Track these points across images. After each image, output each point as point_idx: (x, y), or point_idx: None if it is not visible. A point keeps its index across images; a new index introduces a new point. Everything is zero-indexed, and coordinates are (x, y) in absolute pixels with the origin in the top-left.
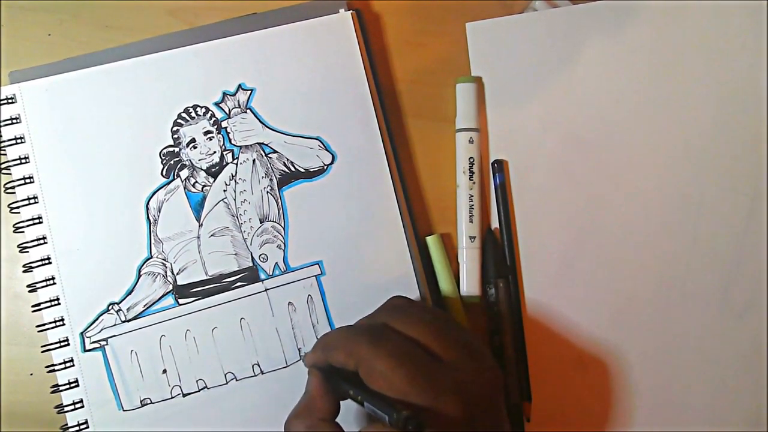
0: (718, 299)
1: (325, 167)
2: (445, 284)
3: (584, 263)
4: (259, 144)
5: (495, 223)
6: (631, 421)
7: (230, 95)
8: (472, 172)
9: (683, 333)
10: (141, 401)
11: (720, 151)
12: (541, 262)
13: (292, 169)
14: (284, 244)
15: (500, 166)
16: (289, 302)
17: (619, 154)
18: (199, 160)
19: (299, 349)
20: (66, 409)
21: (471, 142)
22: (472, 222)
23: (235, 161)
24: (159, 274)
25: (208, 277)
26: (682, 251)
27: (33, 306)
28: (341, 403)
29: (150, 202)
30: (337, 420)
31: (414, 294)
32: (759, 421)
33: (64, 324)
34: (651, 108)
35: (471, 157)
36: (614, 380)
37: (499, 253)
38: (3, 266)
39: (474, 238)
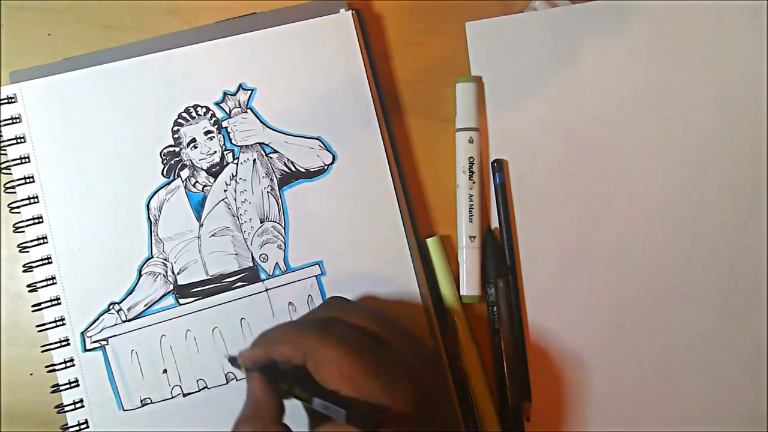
0: (718, 299)
1: (326, 167)
2: (444, 285)
3: (584, 263)
4: (260, 144)
5: (495, 223)
6: (631, 421)
7: (231, 95)
8: (472, 172)
9: (683, 333)
10: (141, 401)
11: (720, 152)
12: (541, 262)
13: (293, 169)
14: (285, 244)
15: (500, 166)
16: (290, 302)
17: (619, 153)
18: (200, 159)
19: None
20: (66, 408)
21: (471, 141)
22: (471, 222)
23: (236, 161)
24: (159, 273)
25: (209, 277)
26: (682, 251)
27: (33, 306)
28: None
29: (151, 202)
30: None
31: (414, 294)
32: (759, 421)
33: (64, 324)
34: (651, 108)
35: (471, 157)
36: (614, 380)
37: (499, 253)
38: (3, 266)
39: (474, 237)
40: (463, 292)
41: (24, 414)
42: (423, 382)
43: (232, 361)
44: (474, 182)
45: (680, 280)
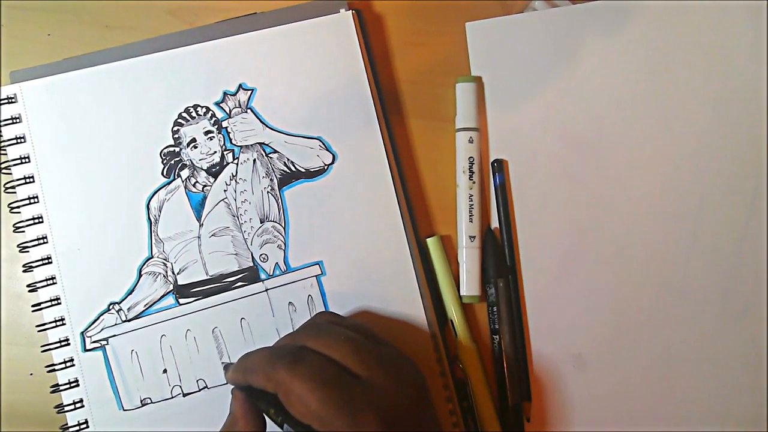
0: (718, 299)
1: (326, 167)
2: (444, 285)
3: (584, 263)
4: (260, 144)
5: (495, 223)
6: (631, 420)
7: (231, 95)
8: (471, 172)
9: (683, 333)
10: (141, 401)
11: (720, 151)
12: (541, 262)
13: (293, 169)
14: (285, 244)
15: (500, 166)
16: (290, 302)
17: (619, 153)
18: (200, 159)
19: None
20: (66, 408)
21: (471, 141)
22: (471, 222)
23: (236, 161)
24: (159, 273)
25: (209, 277)
26: (682, 251)
27: (33, 305)
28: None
29: (151, 202)
30: None
31: (414, 294)
32: (759, 421)
33: (64, 324)
34: (651, 108)
35: (471, 157)
36: (614, 380)
37: (499, 253)
38: (3, 266)
39: (474, 237)
40: (463, 292)
41: (24, 414)
42: (394, 418)
43: (225, 369)
44: (474, 182)
45: (680, 280)
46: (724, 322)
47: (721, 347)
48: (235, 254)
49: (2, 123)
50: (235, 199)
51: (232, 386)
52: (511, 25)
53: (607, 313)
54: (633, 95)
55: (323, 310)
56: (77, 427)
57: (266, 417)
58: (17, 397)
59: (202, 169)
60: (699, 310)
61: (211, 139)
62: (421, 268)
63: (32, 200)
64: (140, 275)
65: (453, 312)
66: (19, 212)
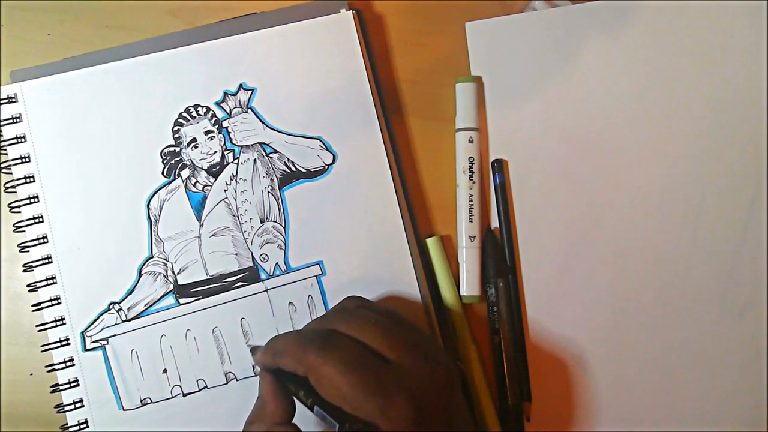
0: (718, 299)
1: (326, 167)
2: (444, 286)
3: (584, 263)
4: (260, 144)
5: (495, 223)
6: (631, 420)
7: (231, 95)
8: (471, 172)
9: (683, 333)
10: (141, 401)
11: (720, 151)
12: (541, 262)
13: (293, 169)
14: (285, 244)
15: (500, 166)
16: (290, 302)
17: (619, 153)
18: (200, 159)
19: None
20: (66, 408)
21: (471, 141)
22: (471, 222)
23: (236, 161)
24: (160, 273)
25: (209, 277)
26: (682, 251)
27: (33, 305)
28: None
29: (151, 202)
30: (296, 421)
31: (414, 294)
32: (759, 421)
33: (64, 323)
34: (651, 108)
35: (471, 157)
36: (614, 380)
37: (499, 253)
38: (3, 266)
39: (474, 237)
40: (463, 292)
41: (24, 414)
42: (425, 402)
43: (253, 351)
44: (474, 182)
45: (680, 280)
46: (724, 322)
47: (721, 347)
48: (236, 254)
49: (3, 122)
50: (236, 199)
51: (261, 369)
52: (511, 25)
53: (607, 313)
54: (633, 95)
55: (351, 295)
56: (77, 427)
57: (296, 399)
58: (17, 397)
59: (203, 168)
60: (699, 310)
61: (212, 139)
62: (421, 268)
63: (32, 200)
64: (140, 275)
65: (453, 312)
66: (20, 212)
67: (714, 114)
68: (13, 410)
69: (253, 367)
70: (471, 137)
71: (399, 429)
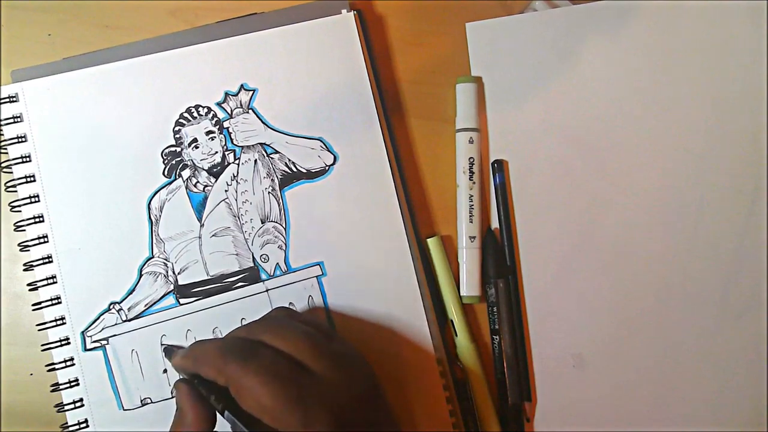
0: (718, 299)
1: (327, 168)
2: (445, 286)
3: (584, 263)
4: (261, 144)
5: (495, 223)
6: (631, 421)
7: (232, 95)
8: (472, 172)
9: (683, 333)
10: (141, 401)
11: (720, 151)
12: (541, 262)
13: (294, 169)
14: (285, 244)
15: (500, 166)
16: (290, 303)
17: (619, 153)
18: (201, 160)
19: None
20: (66, 408)
21: (471, 142)
22: (472, 222)
23: (237, 161)
24: (160, 273)
25: (210, 277)
26: (682, 251)
27: (33, 305)
28: None
29: (152, 202)
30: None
31: (414, 294)
32: (759, 421)
33: (64, 323)
34: (651, 108)
35: (471, 157)
36: (614, 380)
37: (499, 253)
38: (3, 266)
39: (474, 238)
40: (463, 292)
41: (24, 414)
42: (346, 414)
43: (167, 353)
44: (474, 182)
45: (680, 280)
46: (724, 322)
47: (721, 347)
48: (236, 254)
49: (3, 122)
50: (236, 200)
51: (177, 378)
52: (511, 25)
53: (607, 313)
54: (633, 95)
55: (279, 306)
56: (77, 426)
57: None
58: (17, 397)
59: (204, 169)
60: (699, 310)
61: (213, 140)
62: (421, 268)
63: (33, 199)
64: (141, 275)
65: (453, 312)
66: (20, 211)
67: (714, 114)
68: (13, 410)
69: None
70: (471, 137)
71: None
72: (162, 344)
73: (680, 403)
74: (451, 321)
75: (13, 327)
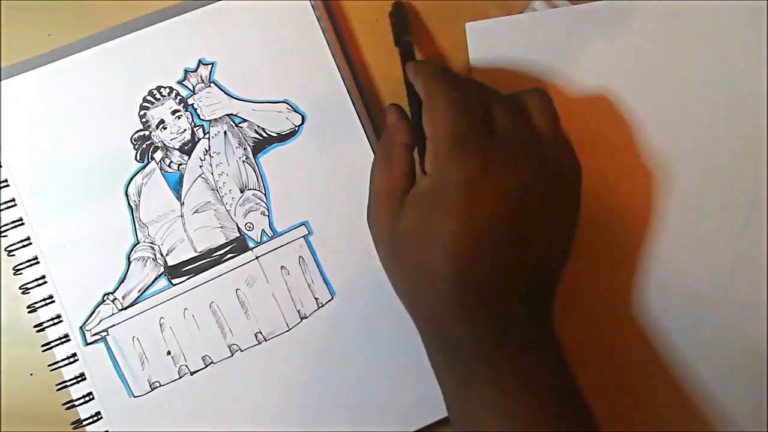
0: (718, 299)
1: (297, 128)
2: None
3: (583, 263)
4: (228, 115)
5: None
6: (632, 420)
7: (192, 72)
8: None
9: (683, 332)
10: (150, 385)
11: (720, 151)
12: None
13: (264, 135)
14: (268, 210)
15: None
16: (282, 266)
17: (618, 154)
18: (171, 139)
19: (298, 311)
20: (77, 403)
21: None
22: None
23: (207, 136)
24: (149, 258)
25: (198, 254)
26: (682, 250)
27: (28, 307)
28: None
29: (128, 189)
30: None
31: None
32: (759, 421)
33: (61, 321)
34: (651, 108)
35: None
36: (614, 380)
37: None
38: (3, 266)
39: None
40: None
41: (24, 414)
42: (515, 194)
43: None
44: None
45: (680, 280)
46: (724, 322)
47: (721, 347)
48: (221, 227)
49: None
50: (212, 173)
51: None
52: (511, 25)
53: (607, 312)
54: (633, 95)
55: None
56: (90, 420)
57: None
58: (17, 397)
59: (175, 148)
60: (699, 310)
61: (179, 118)
62: None
63: (10, 204)
64: (129, 262)
65: None
66: None
67: (714, 114)
68: (13, 410)
69: (230, 348)
70: None
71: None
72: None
73: (680, 403)
74: None
75: (13, 327)
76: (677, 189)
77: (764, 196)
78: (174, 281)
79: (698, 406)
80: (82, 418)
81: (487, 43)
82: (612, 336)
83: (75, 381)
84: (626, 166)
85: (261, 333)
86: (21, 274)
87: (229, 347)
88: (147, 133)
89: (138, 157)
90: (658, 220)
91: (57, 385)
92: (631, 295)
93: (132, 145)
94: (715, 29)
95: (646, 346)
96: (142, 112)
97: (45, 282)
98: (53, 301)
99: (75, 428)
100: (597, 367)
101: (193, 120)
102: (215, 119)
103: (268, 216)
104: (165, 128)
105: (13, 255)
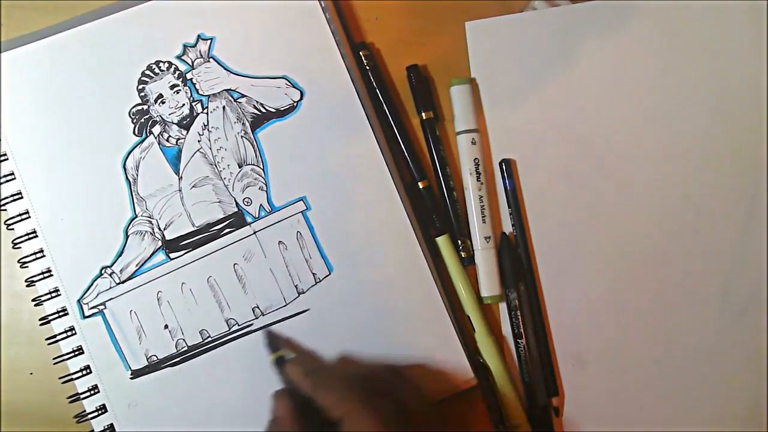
0: (718, 299)
1: (295, 104)
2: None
3: (583, 263)
4: (227, 90)
5: (504, 227)
6: (632, 421)
7: (191, 47)
8: (479, 173)
9: (683, 332)
10: (148, 359)
11: (720, 151)
12: (552, 263)
13: (263, 110)
14: (266, 185)
15: (509, 167)
16: (280, 241)
17: (619, 153)
18: (170, 114)
19: (296, 286)
20: (74, 376)
21: (473, 143)
22: (485, 223)
23: (206, 110)
24: (146, 232)
25: (196, 228)
26: (683, 251)
27: (26, 280)
28: None
29: (126, 162)
30: None
31: (400, 218)
32: (759, 421)
33: (59, 294)
34: (651, 107)
35: (476, 158)
36: (614, 380)
37: (516, 256)
38: (3, 265)
39: (489, 238)
40: (484, 293)
41: (24, 413)
42: None
43: (279, 363)
44: (482, 183)
45: (680, 280)
46: (724, 322)
47: (721, 347)
48: (219, 202)
49: None
50: (211, 148)
51: (280, 388)
52: (511, 25)
53: (607, 312)
54: (632, 95)
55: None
56: (88, 393)
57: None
58: (17, 396)
59: (173, 123)
60: (699, 310)
61: (178, 93)
62: (402, 186)
63: (9, 177)
64: (127, 236)
65: (469, 309)
66: None
67: (714, 114)
68: (13, 410)
69: (227, 322)
70: (473, 138)
71: None
72: (273, 355)
73: (680, 403)
74: (468, 317)
75: (13, 327)
76: (678, 188)
77: (764, 196)
78: (172, 255)
79: (698, 406)
80: (80, 390)
81: (487, 42)
82: (612, 335)
83: (73, 354)
84: (626, 165)
85: (258, 308)
86: (20, 248)
87: (227, 321)
88: (145, 107)
89: (136, 131)
90: (658, 219)
91: (54, 358)
92: (632, 294)
93: (130, 119)
94: (715, 29)
95: (646, 346)
96: (140, 87)
97: (43, 255)
98: (51, 275)
99: (78, 422)
100: (596, 367)
101: (191, 95)
102: (214, 94)
103: (266, 191)
104: (163, 103)
105: (12, 229)
